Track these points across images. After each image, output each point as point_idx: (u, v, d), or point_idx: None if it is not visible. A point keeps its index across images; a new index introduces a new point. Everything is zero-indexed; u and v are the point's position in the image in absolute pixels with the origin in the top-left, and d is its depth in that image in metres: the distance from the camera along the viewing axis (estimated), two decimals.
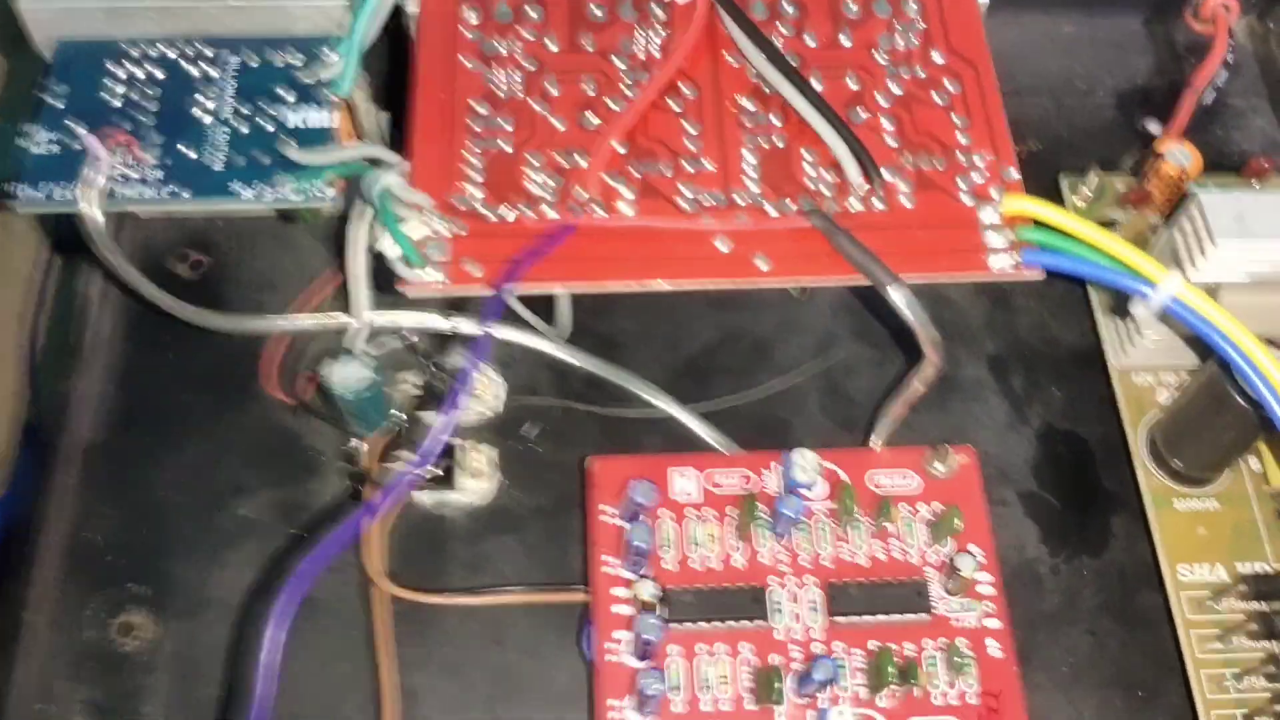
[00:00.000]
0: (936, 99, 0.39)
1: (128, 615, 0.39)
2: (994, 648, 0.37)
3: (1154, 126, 0.50)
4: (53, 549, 0.40)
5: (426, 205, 0.35)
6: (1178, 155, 0.44)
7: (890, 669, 0.36)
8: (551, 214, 0.36)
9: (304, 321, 0.42)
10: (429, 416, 0.42)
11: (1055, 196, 0.46)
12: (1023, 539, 0.41)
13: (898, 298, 0.34)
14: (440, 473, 0.41)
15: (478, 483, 0.42)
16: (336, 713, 0.38)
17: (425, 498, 0.41)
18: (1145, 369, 0.43)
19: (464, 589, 0.39)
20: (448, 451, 0.41)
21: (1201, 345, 0.41)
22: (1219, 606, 0.39)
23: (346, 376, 0.38)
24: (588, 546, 0.38)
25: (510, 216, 0.36)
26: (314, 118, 0.39)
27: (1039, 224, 0.36)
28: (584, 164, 0.37)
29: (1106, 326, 0.44)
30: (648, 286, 0.35)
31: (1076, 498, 0.42)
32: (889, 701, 0.36)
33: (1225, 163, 0.49)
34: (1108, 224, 0.44)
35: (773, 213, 0.36)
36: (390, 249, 0.34)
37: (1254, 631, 0.38)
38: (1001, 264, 0.36)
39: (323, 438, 0.42)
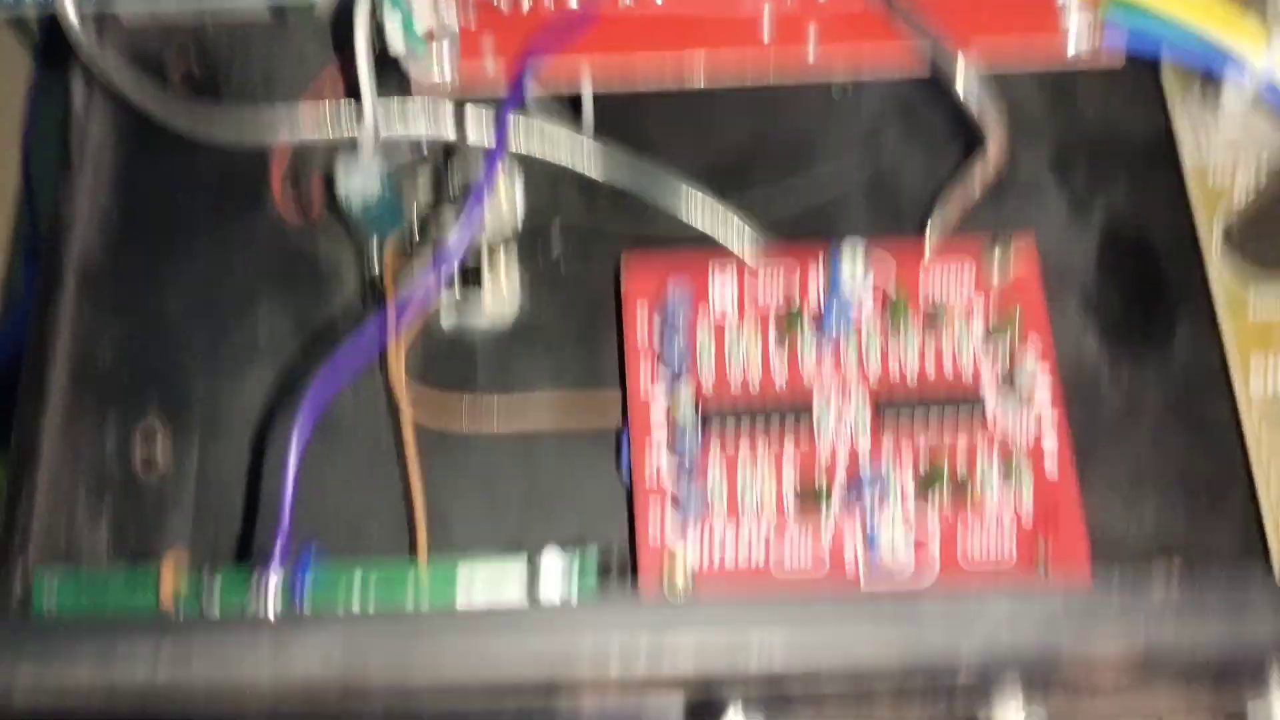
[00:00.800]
0: None
1: (146, 439, 0.38)
2: (1051, 459, 0.35)
3: None
4: (64, 373, 0.39)
5: None
6: None
7: (942, 481, 0.34)
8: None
9: (306, 127, 0.39)
10: (447, 226, 0.40)
11: None
12: (1082, 344, 0.39)
13: (963, 77, 0.30)
14: (459, 290, 0.39)
15: (501, 299, 0.40)
16: (365, 535, 0.37)
17: (446, 316, 0.39)
18: (1223, 165, 0.39)
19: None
20: (468, 266, 0.39)
21: None
22: None
23: (354, 186, 0.36)
24: (622, 356, 0.36)
25: (526, 3, 0.33)
26: None
27: None
28: None
29: (1181, 117, 0.40)
30: (683, 82, 0.32)
31: (1142, 299, 0.39)
32: (940, 515, 0.34)
33: None
34: None
35: None
36: (396, 41, 0.31)
37: None
38: (1079, 46, 0.32)
39: (336, 248, 0.40)
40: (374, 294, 0.39)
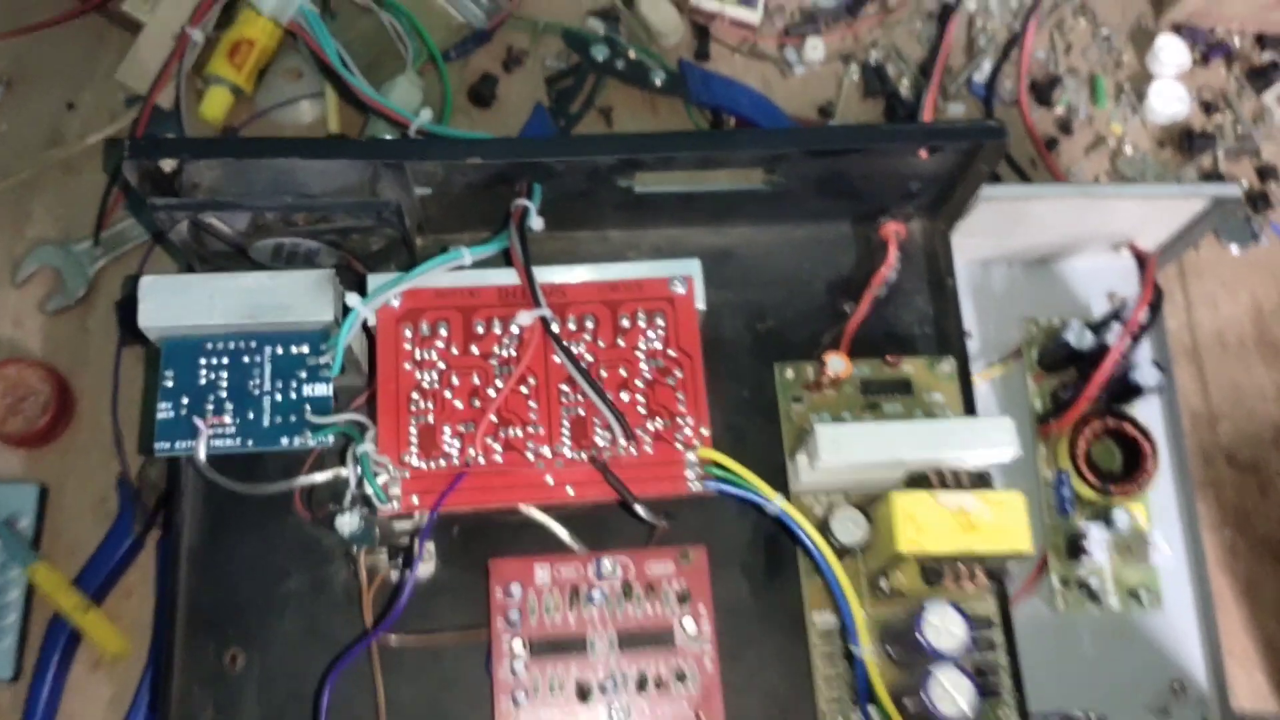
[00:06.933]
0: (669, 381, 0.69)
1: (232, 655, 0.72)
2: (708, 671, 0.70)
3: (848, 307, 0.79)
4: (182, 618, 0.72)
5: (387, 463, 0.65)
6: (835, 363, 0.74)
7: (649, 681, 0.69)
8: (455, 463, 0.67)
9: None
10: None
11: (770, 377, 0.76)
12: (738, 591, 0.73)
13: (641, 510, 0.65)
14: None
15: (427, 564, 0.74)
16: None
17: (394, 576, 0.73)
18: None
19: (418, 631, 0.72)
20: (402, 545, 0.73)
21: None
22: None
23: (344, 526, 0.69)
24: (490, 611, 0.70)
25: (433, 466, 0.66)
26: (319, 390, 0.68)
27: (718, 464, 0.66)
28: (473, 431, 0.67)
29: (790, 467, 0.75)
30: (512, 508, 0.66)
31: (777, 563, 0.74)
32: (650, 699, 0.69)
33: (896, 331, 0.79)
34: (797, 399, 0.75)
35: (575, 458, 0.67)
36: (369, 491, 0.65)
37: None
38: (695, 487, 0.66)
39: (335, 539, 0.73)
40: (356, 575, 0.73)
